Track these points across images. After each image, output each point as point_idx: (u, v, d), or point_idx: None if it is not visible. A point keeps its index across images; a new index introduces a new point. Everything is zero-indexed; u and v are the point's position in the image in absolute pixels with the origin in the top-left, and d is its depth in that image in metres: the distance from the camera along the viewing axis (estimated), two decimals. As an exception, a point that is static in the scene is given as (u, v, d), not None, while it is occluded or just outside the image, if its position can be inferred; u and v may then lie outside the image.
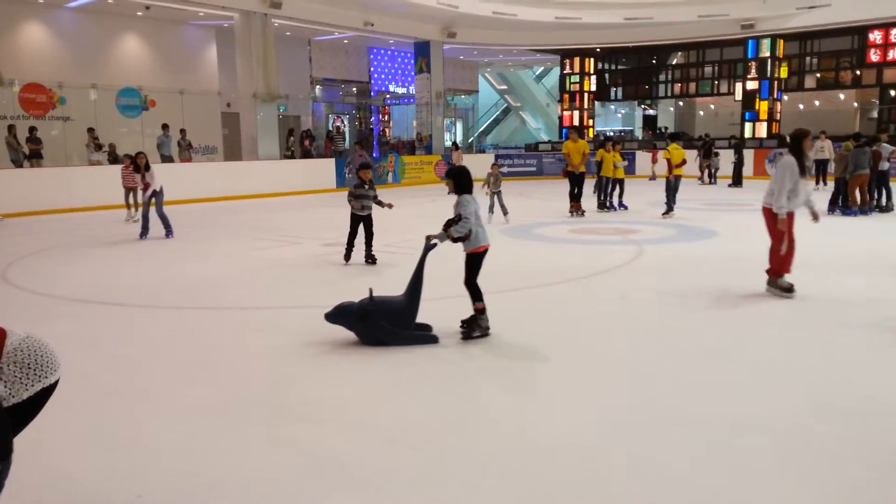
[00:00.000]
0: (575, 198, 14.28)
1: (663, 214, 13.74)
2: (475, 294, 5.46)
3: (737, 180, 21.70)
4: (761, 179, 23.50)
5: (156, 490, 3.21)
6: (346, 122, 31.91)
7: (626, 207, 15.15)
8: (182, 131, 20.27)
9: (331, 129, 29.71)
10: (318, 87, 29.47)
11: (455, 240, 5.38)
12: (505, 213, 13.40)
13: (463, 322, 5.60)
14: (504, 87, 43.18)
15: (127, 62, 21.97)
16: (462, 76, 35.47)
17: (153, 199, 11.46)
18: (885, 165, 14.02)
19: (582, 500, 3.06)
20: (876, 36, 26.83)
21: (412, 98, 30.32)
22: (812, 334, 5.60)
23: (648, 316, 6.25)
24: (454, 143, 25.43)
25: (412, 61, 28.93)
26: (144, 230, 11.54)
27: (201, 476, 3.35)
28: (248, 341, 5.63)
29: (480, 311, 5.47)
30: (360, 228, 8.75)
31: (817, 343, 5.35)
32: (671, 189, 13.64)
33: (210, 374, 4.85)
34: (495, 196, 13.47)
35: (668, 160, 13.59)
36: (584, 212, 14.28)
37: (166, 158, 19.47)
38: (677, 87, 32.77)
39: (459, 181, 5.52)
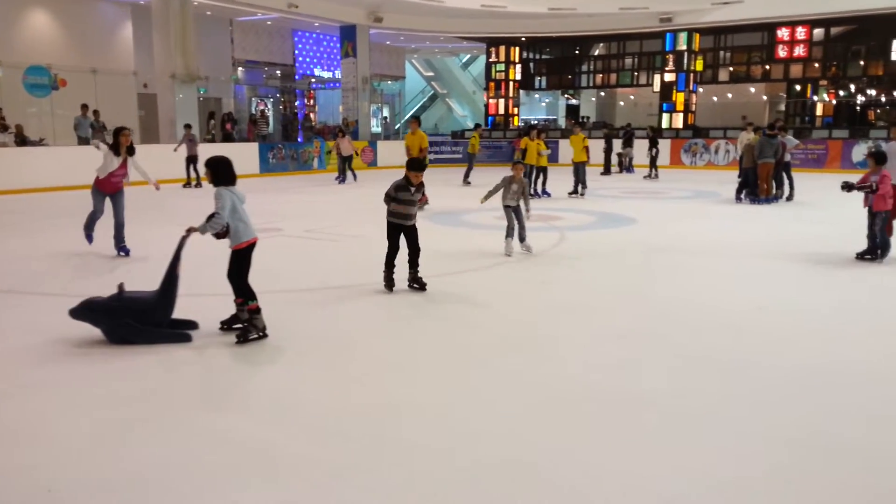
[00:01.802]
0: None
1: (569, 194, 15.47)
2: (246, 293, 5.12)
3: (652, 170, 22.02)
4: (677, 169, 24.44)
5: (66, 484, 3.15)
6: (269, 106, 31.27)
7: (549, 194, 15.50)
8: (95, 112, 19.42)
9: (254, 112, 29.04)
10: (240, 69, 28.74)
11: (216, 236, 5.04)
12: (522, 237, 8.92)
13: (223, 323, 5.36)
14: (431, 73, 43.21)
15: (35, 39, 20.81)
16: (389, 62, 35.28)
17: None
18: (787, 157, 14.82)
19: (507, 482, 3.19)
20: (784, 33, 28.20)
21: (338, 83, 29.97)
22: (725, 317, 5.93)
23: (566, 298, 6.47)
24: (339, 128, 22.37)
25: (338, 45, 28.56)
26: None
27: (115, 468, 3.28)
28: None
29: (255, 311, 5.13)
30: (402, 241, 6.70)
31: (728, 327, 5.68)
32: (577, 173, 15.45)
33: (127, 363, 4.74)
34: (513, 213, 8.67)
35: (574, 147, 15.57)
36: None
37: (83, 140, 18.64)
38: (599, 77, 33.58)
39: (216, 172, 5.13)
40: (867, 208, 7.90)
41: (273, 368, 4.73)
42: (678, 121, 28.71)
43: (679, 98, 28.92)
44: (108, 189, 8.38)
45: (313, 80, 32.11)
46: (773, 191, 14.50)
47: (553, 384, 4.33)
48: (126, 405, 4.02)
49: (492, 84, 33.18)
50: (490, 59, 33.17)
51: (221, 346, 5.05)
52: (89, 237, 8.61)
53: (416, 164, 6.60)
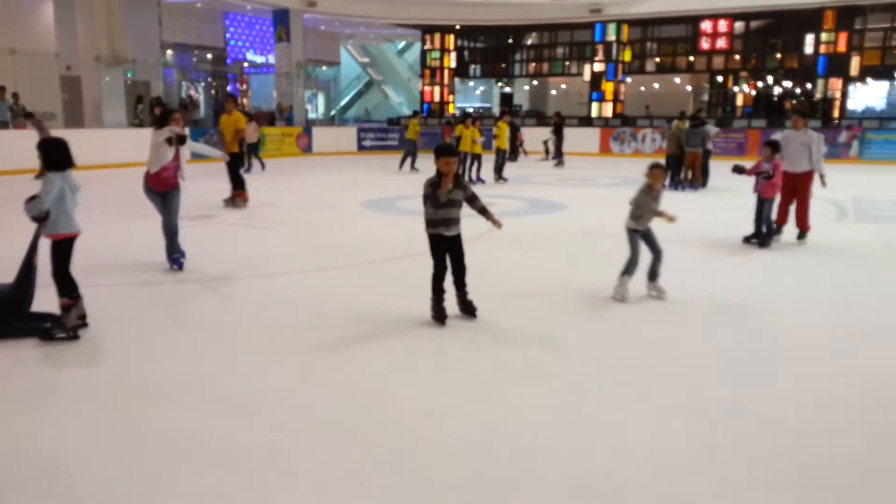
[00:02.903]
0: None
1: (498, 178, 16.05)
2: (63, 287, 4.78)
3: (557, 157, 22.04)
4: (606, 157, 25.14)
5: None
6: (200, 91, 30.57)
7: (483, 181, 15.84)
8: (14, 95, 18.66)
9: (184, 97, 28.36)
10: (168, 51, 27.99)
11: (34, 219, 4.68)
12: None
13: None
14: (366, 59, 42.97)
15: (-55, 16, 19.83)
16: (323, 47, 34.96)
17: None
18: (709, 145, 15.55)
19: (438, 464, 3.44)
20: (706, 25, 29.31)
21: (272, 67, 29.54)
22: (649, 300, 6.33)
23: (499, 283, 6.76)
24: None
25: (271, 29, 28.14)
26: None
27: (46, 460, 3.26)
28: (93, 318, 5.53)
29: (66, 309, 4.78)
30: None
31: (651, 308, 6.07)
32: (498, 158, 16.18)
33: (59, 352, 4.77)
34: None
35: (496, 135, 16.13)
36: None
37: (1, 125, 17.90)
38: (532, 66, 34.18)
39: (48, 155, 4.72)
40: (756, 194, 8.33)
41: (185, 355, 4.84)
42: (607, 110, 29.54)
43: (608, 87, 29.74)
44: (158, 187, 6.89)
45: (246, 64, 31.55)
46: (700, 179, 15.21)
47: (483, 363, 4.60)
48: None
49: (427, 71, 33.33)
50: (425, 47, 33.29)
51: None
52: (177, 261, 6.91)
53: (444, 149, 5.12)
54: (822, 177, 8.71)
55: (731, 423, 3.66)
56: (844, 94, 27.38)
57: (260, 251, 8.09)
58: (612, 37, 29.59)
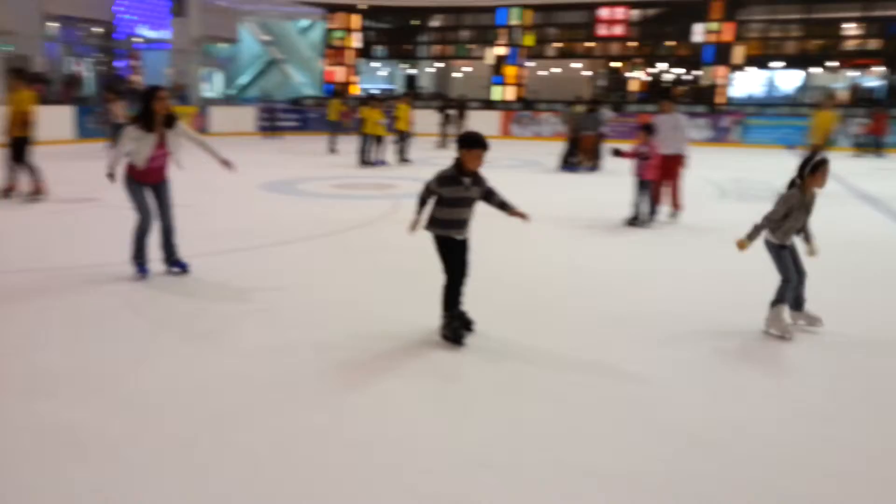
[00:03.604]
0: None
1: (401, 161, 16.05)
2: None
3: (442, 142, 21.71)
4: (507, 139, 25.64)
5: None
6: (87, 67, 28.93)
7: (385, 163, 15.87)
8: None
9: (70, 73, 26.78)
10: (52, 24, 26.31)
11: None
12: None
13: None
14: (268, 38, 41.82)
15: None
16: (222, 24, 33.74)
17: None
18: (604, 129, 16.18)
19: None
20: (603, 13, 30.30)
21: (166, 44, 28.32)
22: (546, 274, 6.61)
23: (397, 265, 6.87)
24: (109, 89, 18.43)
25: (166, 3, 26.94)
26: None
27: None
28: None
29: None
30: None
31: (545, 282, 6.34)
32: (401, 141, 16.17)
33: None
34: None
35: (397, 117, 16.19)
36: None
37: None
38: (436, 48, 34.32)
39: None
40: (636, 177, 8.69)
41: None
42: (510, 93, 30.11)
43: (510, 71, 30.31)
44: (148, 178, 5.86)
45: (138, 39, 30.07)
46: (596, 161, 15.79)
47: (373, 350, 4.72)
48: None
49: (330, 51, 32.87)
50: (329, 26, 32.78)
51: None
52: (143, 267, 5.93)
53: (474, 140, 4.36)
54: (685, 158, 9.20)
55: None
56: (728, 82, 29.01)
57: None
58: (515, 21, 30.12)
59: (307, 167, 15.32)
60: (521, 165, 16.87)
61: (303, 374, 4.04)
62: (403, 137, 16.20)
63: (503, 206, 4.67)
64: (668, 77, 32.90)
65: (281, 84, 42.27)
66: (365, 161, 15.57)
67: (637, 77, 32.65)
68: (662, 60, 32.15)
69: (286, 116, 26.93)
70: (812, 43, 29.96)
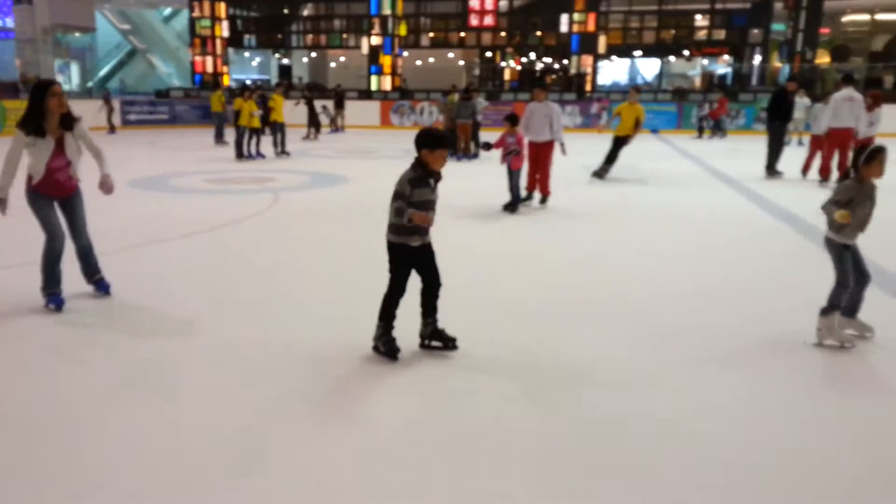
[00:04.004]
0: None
1: (279, 154, 15.60)
2: None
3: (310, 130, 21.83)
4: (388, 129, 25.66)
5: None
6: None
7: (263, 156, 15.47)
8: None
9: None
10: None
11: None
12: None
13: None
14: (127, 26, 39.48)
15: None
16: (75, 11, 31.46)
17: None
18: (479, 117, 16.55)
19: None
20: (475, 2, 30.86)
21: (10, 32, 26.08)
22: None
23: (276, 260, 6.77)
24: None
25: (6, -11, 24.80)
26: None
27: None
28: None
29: None
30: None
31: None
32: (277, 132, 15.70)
33: None
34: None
35: (272, 108, 15.77)
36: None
37: None
38: (309, 38, 33.70)
39: None
40: (506, 167, 8.92)
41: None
42: (386, 83, 30.09)
43: (386, 61, 30.28)
44: (55, 191, 4.98)
45: (-23, 28, 27.54)
46: (473, 149, 16.11)
47: (277, 344, 4.65)
48: None
49: (197, 40, 31.48)
50: (193, 14, 31.35)
51: None
52: (56, 299, 5.02)
53: (438, 139, 4.07)
54: (562, 145, 9.63)
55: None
56: (595, 70, 30.39)
57: (4, 239, 7.29)
58: (387, 10, 30.06)
59: (179, 162, 14.67)
60: (403, 156, 16.94)
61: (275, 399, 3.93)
62: (279, 129, 15.80)
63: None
64: (539, 66, 34.01)
65: (145, 75, 40.05)
66: (242, 154, 15.11)
67: (510, 66, 33.51)
68: (533, 50, 33.19)
69: (153, 109, 25.63)
70: (667, 33, 31.92)
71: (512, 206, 9.10)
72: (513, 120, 8.86)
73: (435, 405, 3.63)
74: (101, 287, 5.32)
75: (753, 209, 9.61)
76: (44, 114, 4.80)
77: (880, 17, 34.69)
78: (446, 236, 7.56)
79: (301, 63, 37.75)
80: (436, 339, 4.25)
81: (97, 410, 3.50)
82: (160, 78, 39.60)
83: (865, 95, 12.34)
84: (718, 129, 21.99)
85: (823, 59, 32.45)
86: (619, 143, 12.33)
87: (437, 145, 3.99)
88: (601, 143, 19.91)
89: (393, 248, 4.10)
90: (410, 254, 4.08)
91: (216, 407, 3.53)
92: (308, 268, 6.36)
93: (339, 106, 23.65)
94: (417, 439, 3.25)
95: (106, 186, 5.16)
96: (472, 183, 12.04)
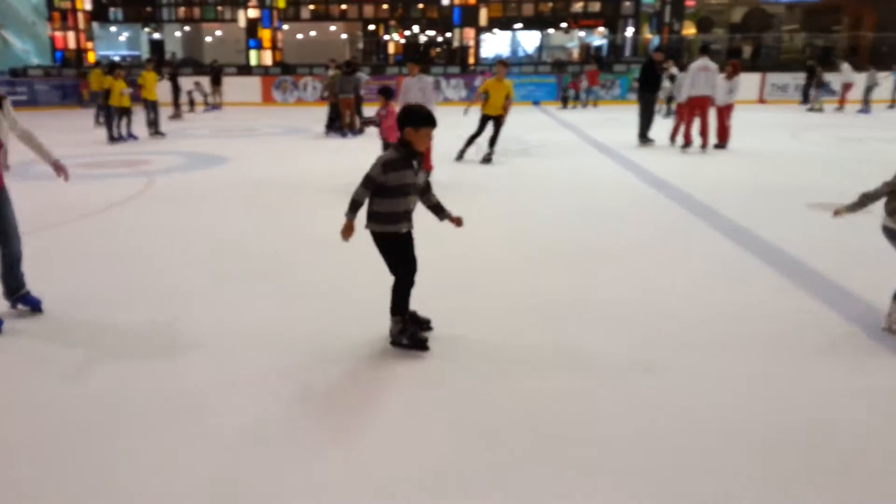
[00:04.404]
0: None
1: (154, 134, 14.87)
2: None
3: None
4: (269, 106, 24.93)
5: None
6: None
7: (136, 138, 14.66)
8: None
9: None
10: None
11: None
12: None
13: None
14: (-28, -2, 36.06)
15: None
16: None
17: None
18: (362, 91, 16.34)
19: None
20: (355, -26, 30.32)
21: None
22: (323, 241, 6.62)
23: (150, 248, 6.50)
24: None
25: None
26: None
27: None
28: None
29: None
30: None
31: (320, 249, 6.36)
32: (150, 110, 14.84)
33: None
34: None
35: (142, 85, 14.85)
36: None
37: None
38: (182, 10, 32.01)
39: None
40: (381, 140, 8.87)
41: None
42: (266, 57, 29.14)
43: (265, 35, 29.28)
44: None
45: None
46: (358, 124, 15.91)
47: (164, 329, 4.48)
48: None
49: (56, 14, 29.23)
50: (49, -15, 29.07)
51: None
52: (28, 299, 4.54)
53: (423, 117, 3.74)
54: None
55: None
56: (478, 43, 30.68)
57: None
58: (264, -19, 29.01)
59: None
60: (284, 133, 16.56)
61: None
62: (151, 108, 14.96)
63: (438, 207, 4.03)
64: (422, 39, 33.95)
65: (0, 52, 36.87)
66: (113, 136, 14.25)
67: (394, 40, 33.26)
68: (416, 23, 33.06)
69: (10, 90, 23.65)
70: (545, 6, 32.64)
71: None
72: (386, 93, 8.80)
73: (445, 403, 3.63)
74: (27, 301, 4.56)
75: (627, 175, 10.10)
76: None
77: (739, -10, 37.17)
78: (317, 218, 7.50)
79: (174, 37, 35.88)
80: (412, 319, 4.07)
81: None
82: (16, 55, 36.54)
83: (727, 65, 13.17)
84: (579, 98, 22.79)
85: (690, 30, 34.29)
86: (487, 121, 11.36)
87: (421, 123, 3.69)
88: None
89: (383, 239, 3.82)
90: (400, 241, 3.84)
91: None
92: (185, 254, 6.14)
93: (216, 82, 22.71)
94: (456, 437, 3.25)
95: (65, 171, 4.72)
96: (355, 159, 11.81)
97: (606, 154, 12.31)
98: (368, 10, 31.18)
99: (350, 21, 32.53)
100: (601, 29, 34.98)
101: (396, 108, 8.97)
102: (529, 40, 36.57)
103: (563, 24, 34.44)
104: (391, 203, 3.73)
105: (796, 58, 31.32)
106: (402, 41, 33.46)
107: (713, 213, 7.37)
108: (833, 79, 21.18)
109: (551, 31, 35.25)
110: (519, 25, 34.03)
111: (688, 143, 12.39)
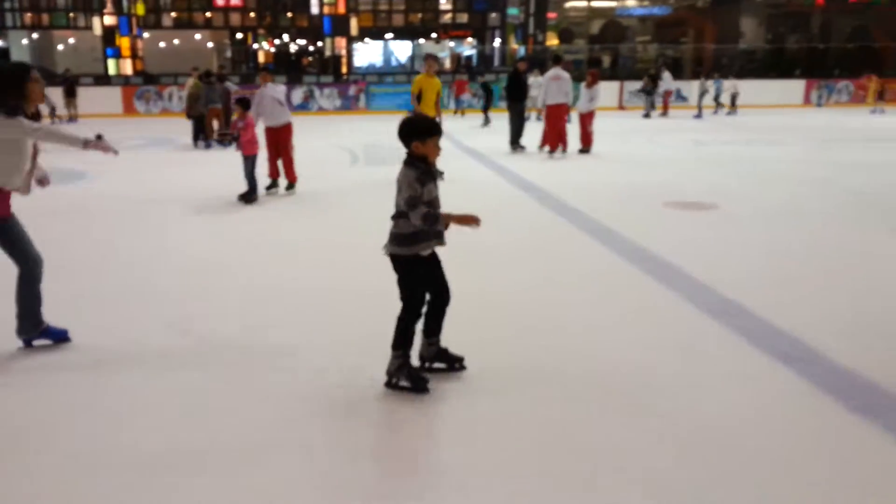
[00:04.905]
0: None
1: None
2: None
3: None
4: (132, 117, 23.71)
5: None
6: None
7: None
8: None
9: None
10: None
11: None
12: None
13: None
14: None
15: None
16: None
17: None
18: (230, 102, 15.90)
19: None
20: (219, -19, 29.44)
21: None
22: (214, 256, 6.37)
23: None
24: None
25: None
26: None
27: None
28: None
29: None
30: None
31: (209, 262, 6.14)
32: None
33: None
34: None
35: None
36: None
37: None
38: (28, 17, 29.80)
39: None
40: (239, 153, 8.57)
41: None
42: (126, 66, 27.70)
43: (124, 43, 27.85)
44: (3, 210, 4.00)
45: None
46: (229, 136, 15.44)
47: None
48: None
49: None
50: None
51: None
52: (54, 332, 4.17)
53: (432, 126, 3.51)
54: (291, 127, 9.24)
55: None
56: (350, 52, 30.64)
57: None
58: (120, -13, 27.59)
59: None
60: (148, 144, 15.84)
61: None
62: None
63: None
64: (293, 48, 33.45)
65: None
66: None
67: (264, 48, 32.56)
68: (286, 31, 32.54)
69: None
70: (415, 16, 33.10)
71: (248, 196, 8.60)
72: (243, 104, 8.56)
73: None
74: (54, 334, 4.24)
75: (499, 180, 10.45)
76: (28, 97, 3.93)
77: (595, 4, 39.33)
78: (184, 229, 7.27)
79: (21, 46, 33.30)
80: (440, 361, 3.74)
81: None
82: None
83: (587, 74, 13.93)
84: (458, 108, 23.40)
85: (553, 41, 35.92)
86: None
87: (428, 133, 3.44)
88: (360, 124, 20.24)
89: (405, 263, 3.48)
90: (423, 265, 3.50)
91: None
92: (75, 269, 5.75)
93: (71, 94, 21.34)
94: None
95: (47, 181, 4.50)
96: (221, 172, 10.93)
97: (478, 160, 12.67)
98: (235, 18, 30.35)
99: (216, 29, 31.51)
100: (470, 39, 35.90)
101: (255, 119, 8.72)
102: (402, 50, 36.91)
103: (434, 35, 35.06)
104: (421, 221, 3.39)
105: (650, 67, 33.58)
106: (273, 50, 32.79)
107: (578, 213, 7.78)
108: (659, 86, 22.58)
109: (422, 40, 35.77)
110: (390, 35, 34.29)
111: (553, 149, 12.97)
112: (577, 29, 38.52)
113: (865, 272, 5.59)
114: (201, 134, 15.13)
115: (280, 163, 9.26)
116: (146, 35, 29.44)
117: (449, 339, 3.75)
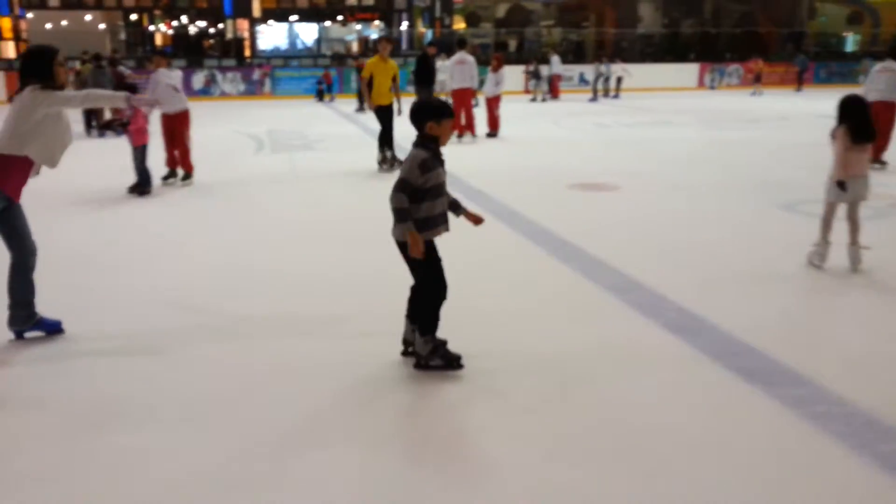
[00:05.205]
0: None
1: None
2: None
3: None
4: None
5: None
6: None
7: None
8: None
9: None
10: None
11: None
12: None
13: None
14: None
15: None
16: None
17: None
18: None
19: None
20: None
21: None
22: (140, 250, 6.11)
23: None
24: None
25: None
26: None
27: None
28: None
29: None
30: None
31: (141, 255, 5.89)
32: None
33: None
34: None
35: None
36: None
37: None
38: None
39: None
40: (130, 143, 8.15)
41: None
42: (9, 50, 25.95)
43: (5, 24, 26.04)
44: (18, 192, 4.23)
45: None
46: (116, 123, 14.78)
47: None
48: None
49: None
50: None
51: None
52: (48, 324, 4.10)
53: (444, 108, 3.49)
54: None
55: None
56: (253, 34, 29.76)
57: None
58: (-4, -36, 25.73)
59: None
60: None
61: None
62: None
63: (454, 204, 3.68)
64: (192, 30, 32.20)
65: None
66: None
67: (161, 31, 31.17)
68: (184, 13, 31.25)
69: None
70: (320, -2, 32.48)
71: (139, 188, 8.18)
72: (132, 90, 8.11)
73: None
74: (48, 325, 4.16)
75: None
76: (57, 75, 4.09)
77: (500, -13, 39.75)
78: (70, 225, 6.94)
79: None
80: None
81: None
82: None
83: (492, 58, 14.12)
84: (331, 91, 23.28)
85: (460, 24, 36.05)
86: (384, 115, 10.00)
87: (443, 115, 3.43)
88: (265, 110, 19.74)
89: (430, 249, 3.51)
90: (433, 247, 3.53)
91: None
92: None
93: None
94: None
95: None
96: (114, 162, 10.03)
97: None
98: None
99: (109, 10, 29.88)
100: (377, 22, 35.56)
101: (143, 108, 8.22)
102: (308, 33, 36.15)
103: (340, 17, 34.52)
104: (429, 206, 3.45)
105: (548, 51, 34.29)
106: (171, 32, 31.44)
107: (485, 196, 7.94)
108: (545, 70, 23.07)
109: (328, 23, 35.16)
110: (295, 17, 33.51)
111: (461, 133, 13.08)
112: (483, 13, 38.81)
113: (742, 240, 6.08)
114: (94, 121, 14.41)
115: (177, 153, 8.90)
116: (30, 15, 27.61)
117: (360, 323, 3.78)
